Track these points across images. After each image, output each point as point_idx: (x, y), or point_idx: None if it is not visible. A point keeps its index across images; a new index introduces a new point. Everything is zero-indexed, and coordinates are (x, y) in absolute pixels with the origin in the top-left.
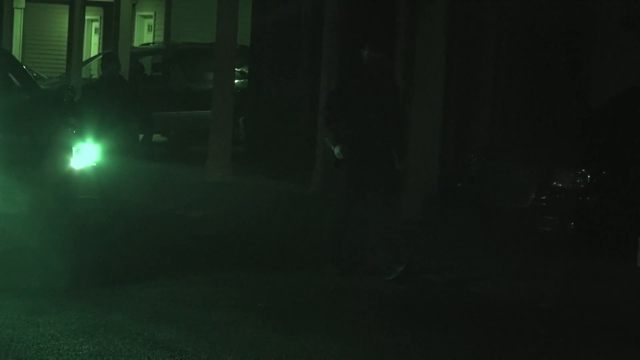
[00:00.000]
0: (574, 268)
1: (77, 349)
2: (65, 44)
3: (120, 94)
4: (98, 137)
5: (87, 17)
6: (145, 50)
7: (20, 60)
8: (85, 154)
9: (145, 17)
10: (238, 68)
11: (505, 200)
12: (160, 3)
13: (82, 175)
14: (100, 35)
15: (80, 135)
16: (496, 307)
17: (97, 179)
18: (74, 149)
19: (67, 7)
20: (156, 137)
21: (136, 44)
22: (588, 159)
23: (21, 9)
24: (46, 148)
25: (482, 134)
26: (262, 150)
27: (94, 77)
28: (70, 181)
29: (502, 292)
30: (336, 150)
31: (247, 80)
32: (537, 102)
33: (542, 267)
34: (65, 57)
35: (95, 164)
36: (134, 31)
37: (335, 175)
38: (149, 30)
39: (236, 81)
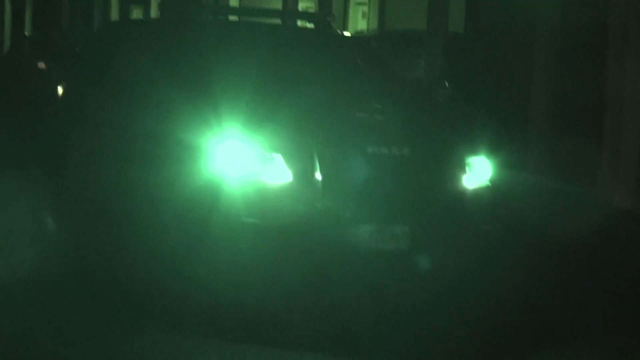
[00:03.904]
0: None
1: None
2: None
3: None
4: (494, 146)
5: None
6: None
7: None
8: (480, 170)
9: (359, 4)
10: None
11: None
12: None
13: (476, 198)
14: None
15: (472, 144)
16: None
17: (493, 202)
18: (466, 162)
19: None
20: None
21: (350, 31)
22: None
23: None
24: (434, 163)
25: None
26: None
27: None
28: (464, 205)
29: None
30: None
31: None
32: None
33: None
34: None
35: (489, 183)
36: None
37: None
38: (362, 17)
39: None
